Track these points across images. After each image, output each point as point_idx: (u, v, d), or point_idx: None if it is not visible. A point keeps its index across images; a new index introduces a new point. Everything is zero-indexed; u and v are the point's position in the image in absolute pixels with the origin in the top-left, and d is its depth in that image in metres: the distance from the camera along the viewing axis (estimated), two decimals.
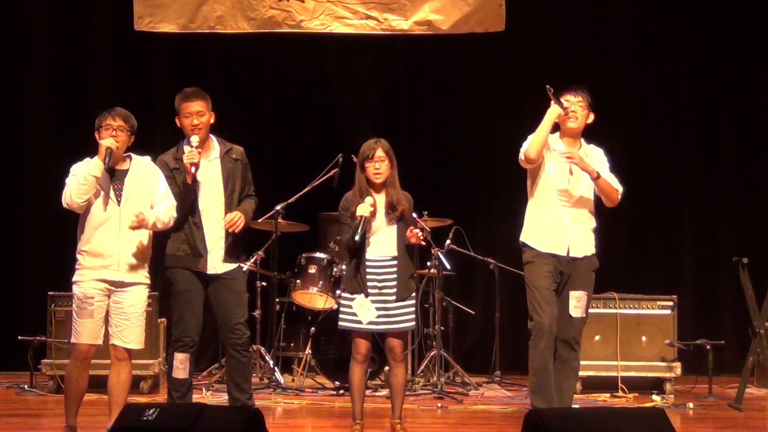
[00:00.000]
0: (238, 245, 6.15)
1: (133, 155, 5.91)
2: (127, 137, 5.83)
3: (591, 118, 6.32)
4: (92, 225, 5.75)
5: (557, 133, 6.34)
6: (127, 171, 5.83)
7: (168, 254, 6.08)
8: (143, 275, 5.84)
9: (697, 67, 9.34)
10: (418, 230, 6.03)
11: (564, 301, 6.23)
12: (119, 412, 4.78)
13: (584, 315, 6.28)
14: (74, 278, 5.81)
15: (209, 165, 6.09)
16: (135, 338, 5.81)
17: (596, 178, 6.21)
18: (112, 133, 5.76)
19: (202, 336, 6.19)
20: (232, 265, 6.11)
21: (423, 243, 6.14)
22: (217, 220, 6.06)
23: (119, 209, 5.73)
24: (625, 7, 9.34)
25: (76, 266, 5.80)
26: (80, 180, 5.67)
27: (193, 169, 5.92)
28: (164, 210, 5.85)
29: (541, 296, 6.21)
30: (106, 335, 5.77)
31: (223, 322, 6.09)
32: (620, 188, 6.33)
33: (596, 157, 6.38)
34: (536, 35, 9.32)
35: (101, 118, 5.81)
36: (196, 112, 6.05)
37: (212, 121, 6.14)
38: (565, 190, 6.26)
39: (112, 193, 5.75)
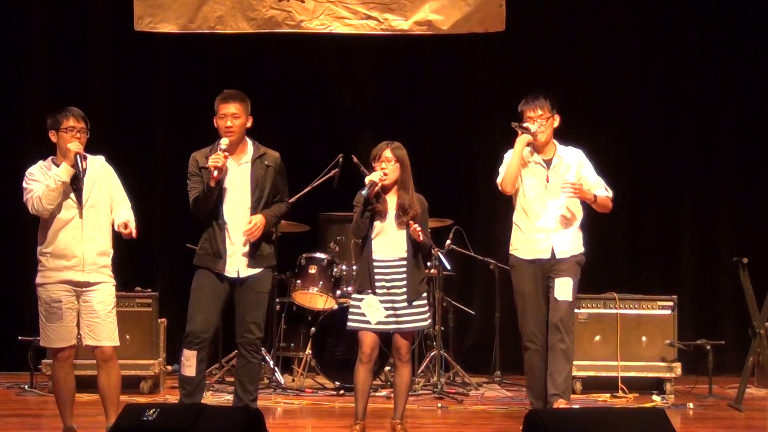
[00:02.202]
0: (266, 250, 6.06)
1: (88, 155, 5.89)
2: (86, 138, 5.84)
3: (557, 121, 6.36)
4: (55, 227, 5.74)
5: (529, 147, 6.37)
6: (84, 171, 5.81)
7: (196, 252, 6.07)
8: (107, 274, 5.84)
9: (697, 66, 9.32)
10: (416, 227, 6.02)
11: (551, 289, 6.29)
12: (119, 411, 4.79)
13: (572, 299, 6.32)
14: (38, 280, 5.79)
15: (239, 169, 6.02)
16: (107, 335, 5.79)
17: (593, 201, 6.26)
18: (77, 136, 5.76)
19: None
20: (257, 270, 6.02)
21: (419, 238, 6.09)
22: (241, 224, 5.98)
23: (81, 210, 5.73)
24: (625, 8, 9.33)
25: (39, 268, 5.79)
26: (50, 186, 5.67)
27: (216, 173, 5.84)
28: (129, 215, 5.88)
29: (524, 302, 6.34)
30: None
31: (239, 321, 6.04)
32: (610, 193, 6.36)
33: (574, 161, 6.38)
34: (536, 35, 9.31)
35: (60, 119, 5.77)
36: (231, 114, 5.98)
37: (249, 124, 6.07)
38: (544, 199, 6.30)
39: (72, 195, 5.75)
